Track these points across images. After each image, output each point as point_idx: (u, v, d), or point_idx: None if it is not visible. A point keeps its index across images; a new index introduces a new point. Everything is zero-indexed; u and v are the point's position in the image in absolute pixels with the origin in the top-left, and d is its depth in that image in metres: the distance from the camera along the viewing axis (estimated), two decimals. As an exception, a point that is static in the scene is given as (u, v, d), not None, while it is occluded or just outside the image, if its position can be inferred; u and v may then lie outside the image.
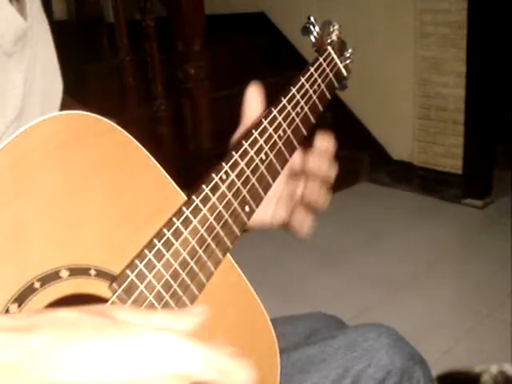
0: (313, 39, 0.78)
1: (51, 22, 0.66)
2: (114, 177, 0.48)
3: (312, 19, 0.78)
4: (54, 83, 0.66)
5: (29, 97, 0.59)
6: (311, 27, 0.77)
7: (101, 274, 0.46)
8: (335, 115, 2.59)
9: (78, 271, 0.44)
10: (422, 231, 2.39)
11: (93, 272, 0.45)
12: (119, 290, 0.46)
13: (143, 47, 2.24)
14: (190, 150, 2.31)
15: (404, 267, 2.12)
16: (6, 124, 0.55)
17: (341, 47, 0.79)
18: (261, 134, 0.62)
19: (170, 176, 0.54)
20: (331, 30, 0.78)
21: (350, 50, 0.80)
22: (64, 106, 0.67)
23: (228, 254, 0.56)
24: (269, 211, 0.69)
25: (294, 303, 1.89)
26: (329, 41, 0.77)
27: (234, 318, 0.57)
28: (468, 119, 2.52)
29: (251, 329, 0.59)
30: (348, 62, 0.80)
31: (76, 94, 2.15)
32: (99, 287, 0.46)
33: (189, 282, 0.51)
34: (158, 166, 0.52)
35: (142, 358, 0.32)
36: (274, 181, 0.63)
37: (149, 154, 0.51)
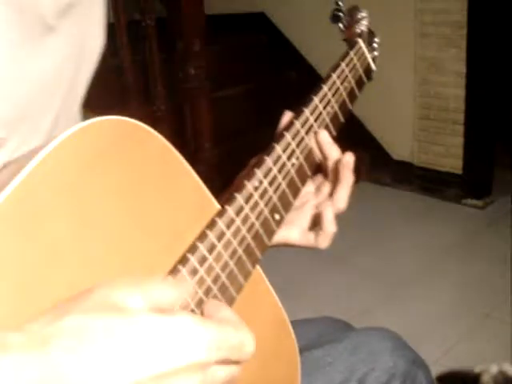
0: (342, 27, 0.74)
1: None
2: (153, 188, 0.45)
3: (341, 4, 0.73)
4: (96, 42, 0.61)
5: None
6: (341, 14, 0.73)
7: None
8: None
9: None
10: (422, 231, 2.39)
11: None
12: None
13: (143, 47, 2.24)
14: (190, 149, 2.30)
15: (404, 267, 2.12)
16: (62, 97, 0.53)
17: (369, 38, 0.75)
18: (293, 137, 0.58)
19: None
20: (359, 17, 0.74)
21: (377, 40, 0.76)
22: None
23: (257, 266, 0.53)
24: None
25: (294, 303, 1.89)
26: (358, 31, 0.73)
27: (260, 330, 0.56)
28: (468, 119, 2.52)
29: (277, 341, 0.57)
30: (376, 54, 0.75)
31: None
32: None
33: (220, 297, 0.48)
34: (193, 172, 0.49)
35: (163, 350, 0.33)
36: (303, 185, 0.60)
37: (184, 161, 0.48)
